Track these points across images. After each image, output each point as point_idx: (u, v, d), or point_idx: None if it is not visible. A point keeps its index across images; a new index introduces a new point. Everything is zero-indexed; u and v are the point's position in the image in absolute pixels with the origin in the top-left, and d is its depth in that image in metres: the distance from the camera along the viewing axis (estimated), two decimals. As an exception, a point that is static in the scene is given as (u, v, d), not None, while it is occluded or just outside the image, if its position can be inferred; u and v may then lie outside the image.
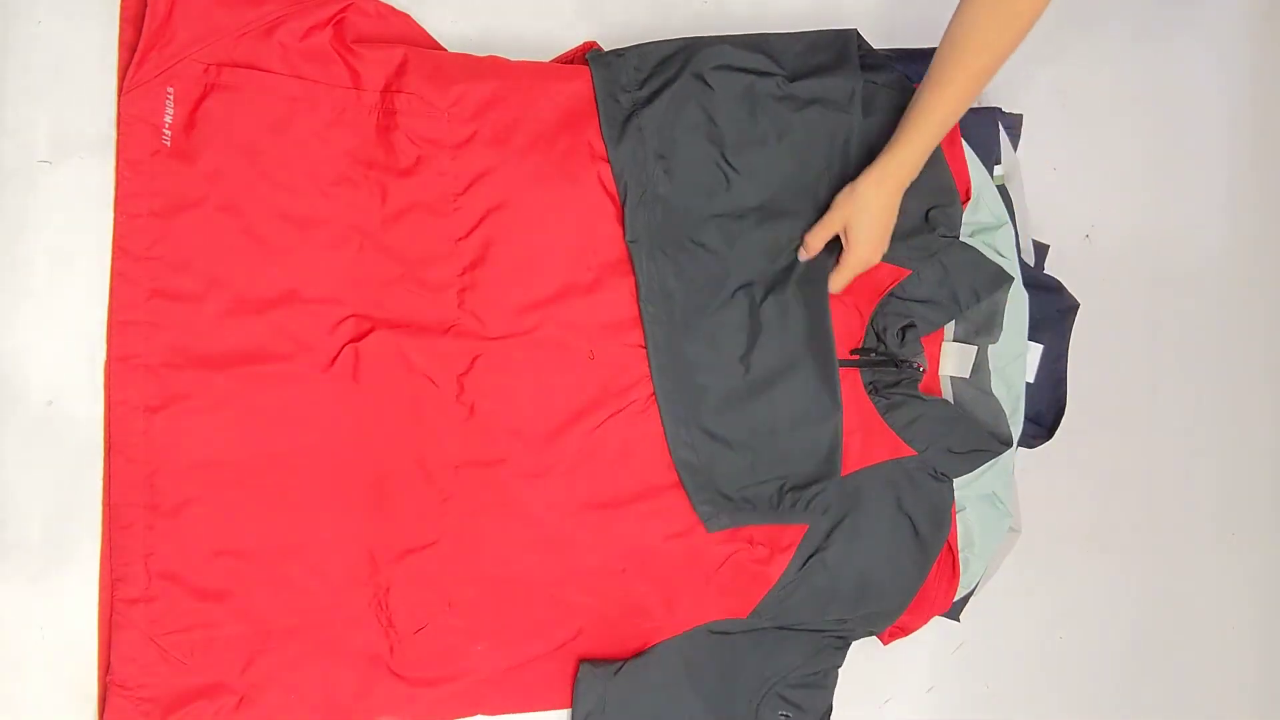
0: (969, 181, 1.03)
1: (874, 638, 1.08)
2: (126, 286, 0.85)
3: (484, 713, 0.95)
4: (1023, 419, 1.07)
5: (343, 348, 0.88)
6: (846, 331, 0.99)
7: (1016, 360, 1.06)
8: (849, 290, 0.97)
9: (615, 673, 0.96)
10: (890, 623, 1.04)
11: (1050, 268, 1.16)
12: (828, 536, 0.97)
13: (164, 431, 0.85)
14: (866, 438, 0.98)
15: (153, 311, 0.85)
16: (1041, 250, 1.17)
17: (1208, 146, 1.34)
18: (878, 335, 0.99)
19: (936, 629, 1.09)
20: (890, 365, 0.99)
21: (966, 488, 1.04)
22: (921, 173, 0.95)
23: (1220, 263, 1.35)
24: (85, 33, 0.86)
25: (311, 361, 0.88)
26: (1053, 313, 1.12)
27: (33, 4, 0.85)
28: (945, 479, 1.01)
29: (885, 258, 0.97)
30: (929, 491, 1.00)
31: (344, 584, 0.89)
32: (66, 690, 0.86)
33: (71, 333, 0.85)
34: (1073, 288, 1.13)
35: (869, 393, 0.98)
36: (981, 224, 1.04)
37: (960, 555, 1.05)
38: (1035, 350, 1.11)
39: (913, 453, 0.99)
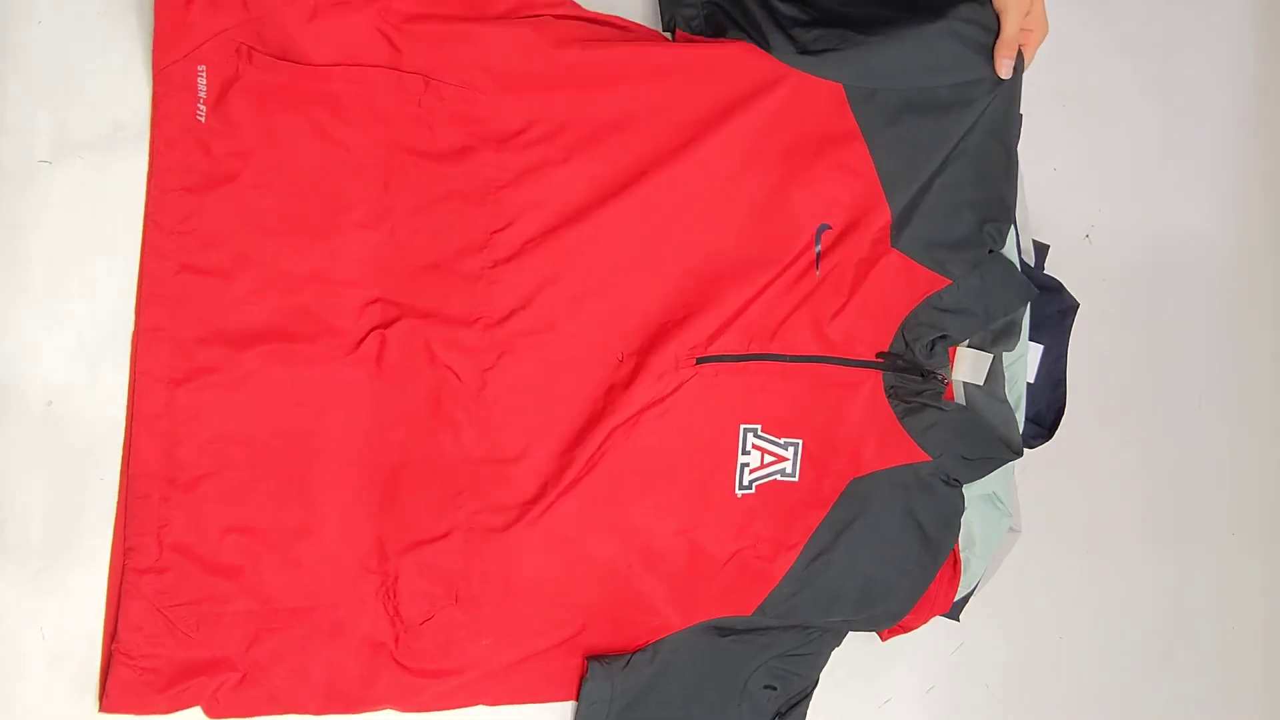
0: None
1: (874, 636, 1.08)
2: (157, 260, 0.84)
3: (486, 703, 0.95)
4: (1023, 419, 1.07)
5: (369, 333, 0.88)
6: (875, 333, 0.97)
7: (1017, 360, 1.06)
8: (884, 291, 0.96)
9: (623, 667, 0.96)
10: (894, 623, 1.04)
11: (1050, 268, 1.16)
12: (835, 538, 0.97)
13: (186, 405, 0.85)
14: (882, 441, 0.98)
15: (181, 286, 0.85)
16: (1041, 250, 1.17)
17: (1209, 146, 1.34)
18: (906, 342, 0.98)
19: (936, 629, 1.09)
20: (915, 374, 0.98)
21: (967, 488, 1.04)
22: (987, 185, 0.96)
23: (1221, 263, 1.35)
24: (85, 33, 0.86)
25: (336, 344, 0.88)
26: (1053, 313, 1.13)
27: (33, 4, 0.85)
28: (956, 485, 1.01)
29: (930, 265, 0.96)
30: (940, 497, 1.00)
31: (353, 570, 0.89)
32: (66, 690, 0.86)
33: (71, 333, 0.85)
34: (1073, 288, 1.13)
35: (888, 396, 0.98)
36: (982, 223, 1.04)
37: (960, 555, 1.05)
38: (1035, 350, 1.11)
39: (928, 458, 0.99)
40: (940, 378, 0.99)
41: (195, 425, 0.85)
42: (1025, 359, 1.08)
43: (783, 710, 1.03)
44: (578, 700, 0.97)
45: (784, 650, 1.02)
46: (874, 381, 0.97)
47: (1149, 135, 1.30)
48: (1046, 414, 1.13)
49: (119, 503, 0.85)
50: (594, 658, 0.97)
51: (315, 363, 0.87)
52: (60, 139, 0.85)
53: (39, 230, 0.85)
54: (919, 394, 0.98)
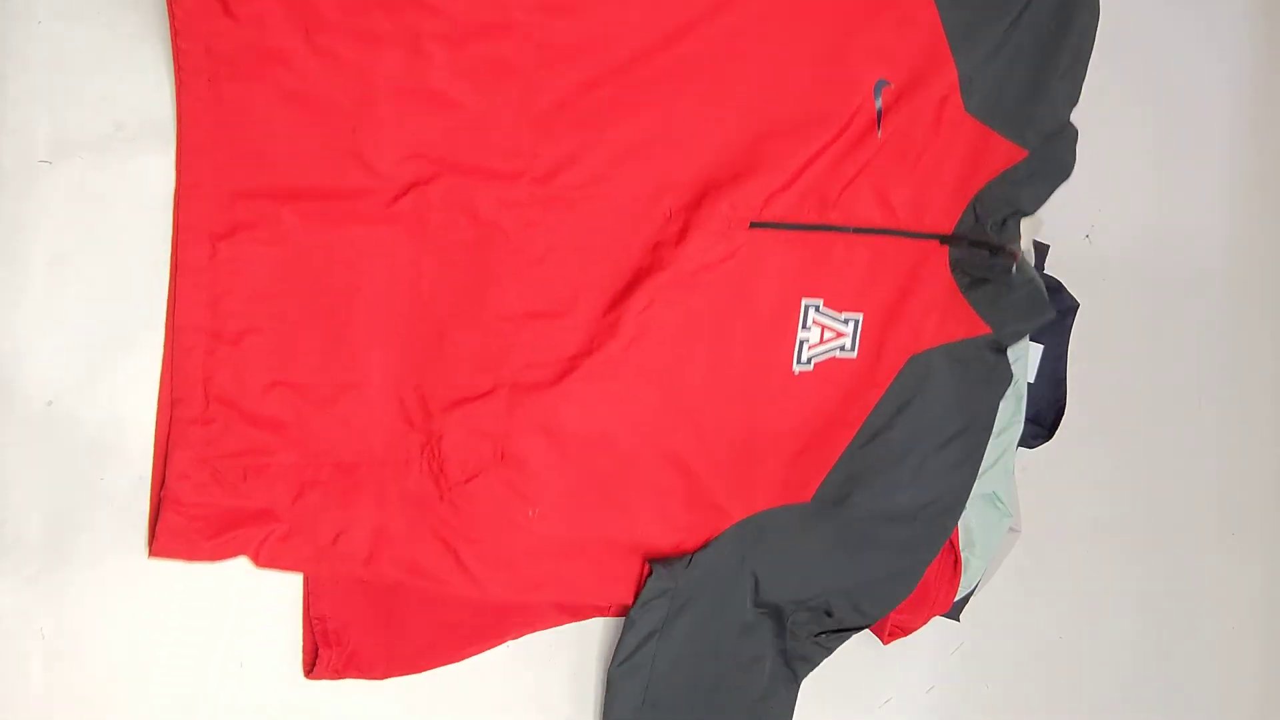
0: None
1: (874, 638, 1.08)
2: (193, 121, 0.84)
3: (535, 595, 0.94)
4: (1023, 419, 1.07)
5: (409, 188, 0.87)
6: (944, 204, 0.94)
7: (1017, 361, 1.06)
8: (955, 159, 0.93)
9: (686, 566, 0.94)
10: (942, 542, 1.00)
11: (1050, 268, 1.16)
12: (893, 417, 0.95)
13: (228, 259, 0.85)
14: (944, 316, 0.95)
15: (218, 143, 0.84)
16: (1041, 250, 1.17)
17: (1208, 146, 1.34)
18: (977, 216, 0.95)
19: (936, 629, 1.09)
20: (984, 249, 0.95)
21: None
22: (1067, 42, 0.93)
23: (1221, 263, 1.35)
24: (85, 33, 0.86)
25: (376, 200, 0.87)
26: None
27: (33, 4, 0.85)
28: (1003, 352, 0.98)
29: (1009, 134, 0.93)
30: (993, 366, 0.97)
31: (397, 427, 0.89)
32: (66, 690, 0.86)
33: (71, 333, 0.85)
34: (1073, 288, 1.13)
35: (953, 270, 0.95)
36: (982, 224, 1.04)
37: (960, 555, 1.05)
38: (1035, 350, 1.11)
39: (988, 330, 0.96)
40: (1010, 252, 0.96)
41: (237, 280, 0.85)
42: (1026, 359, 1.08)
43: (830, 630, 1.01)
44: (634, 599, 0.94)
45: (844, 589, 0.99)
46: (940, 255, 0.95)
47: (1149, 135, 1.30)
48: (1046, 414, 1.13)
49: (164, 355, 0.85)
50: (655, 560, 0.94)
51: (354, 220, 0.87)
52: (60, 139, 0.85)
53: (39, 230, 0.85)
54: (988, 269, 0.95)
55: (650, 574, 0.94)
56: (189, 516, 0.84)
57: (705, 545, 0.95)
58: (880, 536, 0.98)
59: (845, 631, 1.01)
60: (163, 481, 0.85)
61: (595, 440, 0.91)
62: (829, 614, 0.99)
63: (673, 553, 0.95)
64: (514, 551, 0.92)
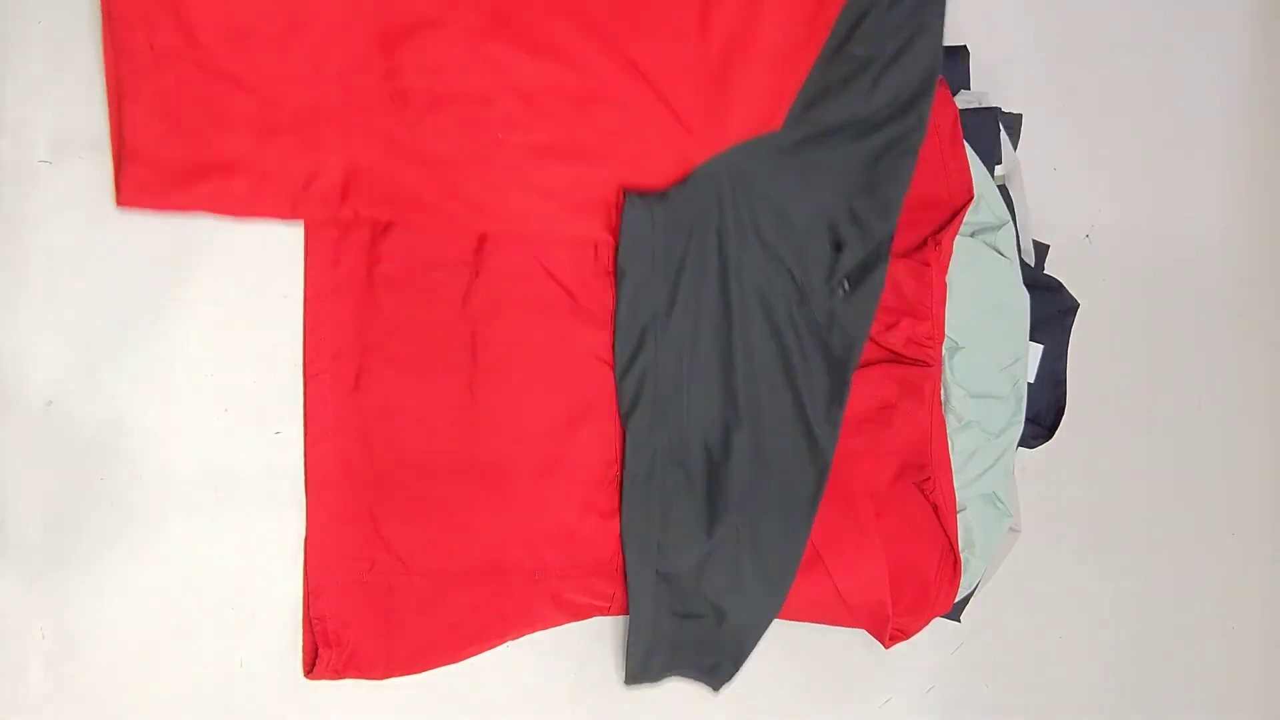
0: (971, 182, 1.02)
1: (874, 640, 1.08)
2: None
3: (515, 224, 0.92)
4: (1023, 419, 1.07)
5: None
6: None
7: (1018, 361, 1.06)
8: None
9: (659, 199, 0.92)
10: (917, 134, 0.96)
11: (1050, 268, 1.16)
12: (855, 26, 0.93)
13: None
14: None
15: None
16: (1041, 250, 1.17)
17: (1208, 146, 1.34)
18: None
19: (936, 629, 1.09)
20: None
21: (967, 488, 1.04)
22: None
23: (1220, 263, 1.35)
24: (85, 33, 0.86)
25: None
26: (1053, 313, 1.13)
27: (33, 4, 0.85)
28: None
29: None
30: None
31: (354, 62, 0.87)
32: (66, 690, 0.86)
33: (71, 332, 0.85)
34: (1073, 288, 1.13)
35: None
36: (983, 224, 1.04)
37: (960, 555, 1.05)
38: (1035, 350, 1.11)
39: None
40: None
41: None
42: (1026, 359, 1.08)
43: (852, 279, 0.96)
44: (619, 234, 0.93)
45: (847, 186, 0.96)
46: None
47: (1149, 135, 1.30)
48: (1046, 414, 1.13)
49: (101, 3, 0.83)
50: (632, 190, 0.93)
51: None
52: (60, 139, 0.85)
53: (39, 230, 0.85)
54: None
55: (625, 204, 0.92)
56: (154, 169, 0.83)
57: (677, 182, 0.93)
58: (857, 145, 0.95)
59: (865, 279, 0.96)
60: (121, 133, 0.83)
61: (558, 65, 0.90)
62: (839, 247, 0.96)
63: (646, 188, 0.93)
64: (490, 179, 0.90)
